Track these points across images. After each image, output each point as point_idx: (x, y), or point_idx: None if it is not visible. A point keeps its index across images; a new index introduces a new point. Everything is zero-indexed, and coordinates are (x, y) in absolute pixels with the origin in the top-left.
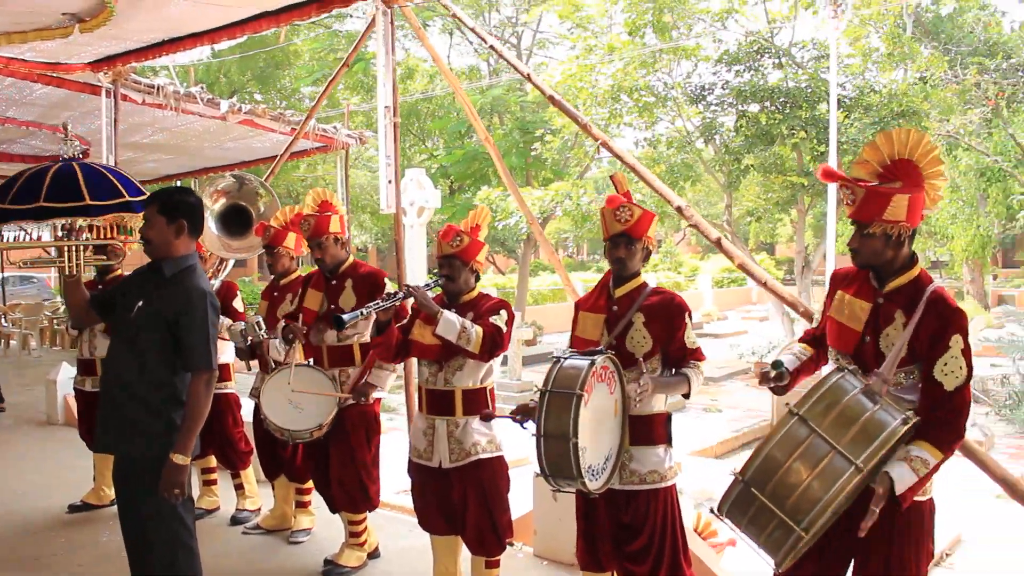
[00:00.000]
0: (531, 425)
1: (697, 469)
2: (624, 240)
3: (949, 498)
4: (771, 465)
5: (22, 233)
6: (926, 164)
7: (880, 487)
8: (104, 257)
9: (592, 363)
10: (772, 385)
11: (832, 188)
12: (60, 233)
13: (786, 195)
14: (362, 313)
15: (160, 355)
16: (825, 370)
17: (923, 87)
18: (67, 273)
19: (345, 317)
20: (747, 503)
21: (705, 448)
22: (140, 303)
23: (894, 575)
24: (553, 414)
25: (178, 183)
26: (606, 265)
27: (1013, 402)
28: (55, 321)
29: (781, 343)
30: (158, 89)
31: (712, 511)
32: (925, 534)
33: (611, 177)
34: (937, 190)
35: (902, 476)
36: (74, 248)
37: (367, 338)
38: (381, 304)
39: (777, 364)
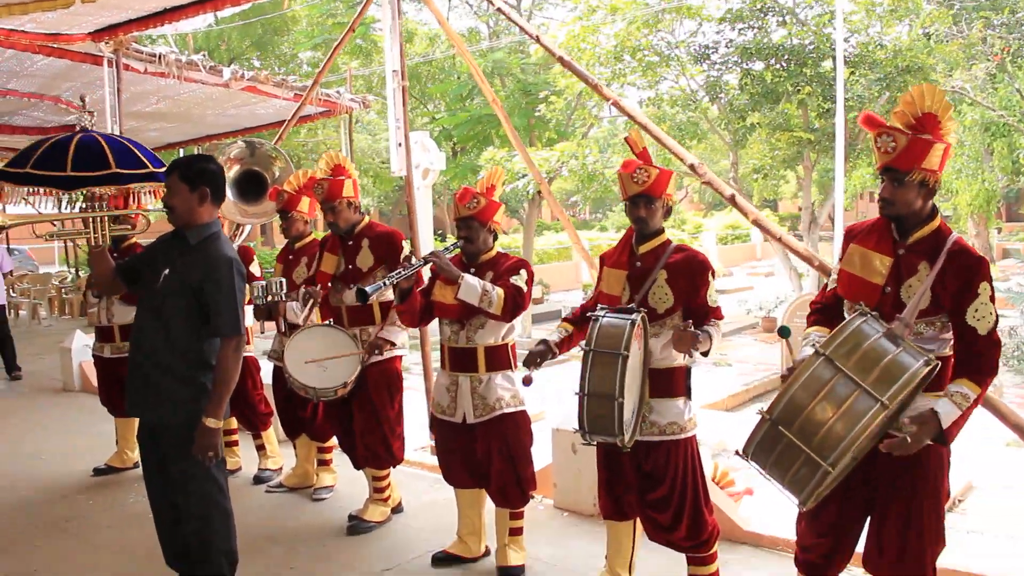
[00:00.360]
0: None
1: (709, 421)
2: (644, 200)
3: (960, 446)
4: (797, 404)
5: (42, 206)
6: (945, 120)
7: (913, 414)
8: (128, 227)
9: (632, 323)
10: None
11: (840, 144)
12: (83, 204)
13: (792, 152)
14: (384, 283)
15: (185, 322)
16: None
17: (927, 42)
18: (93, 244)
19: (368, 289)
20: (774, 442)
21: (716, 401)
22: (166, 271)
23: (915, 516)
24: (598, 373)
25: (181, 151)
26: (608, 224)
27: (1021, 353)
28: (63, 290)
29: (789, 298)
30: (160, 58)
31: (737, 453)
32: (943, 476)
33: (626, 139)
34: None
35: (948, 411)
36: (99, 219)
37: (386, 296)
38: (403, 273)
39: (783, 331)
